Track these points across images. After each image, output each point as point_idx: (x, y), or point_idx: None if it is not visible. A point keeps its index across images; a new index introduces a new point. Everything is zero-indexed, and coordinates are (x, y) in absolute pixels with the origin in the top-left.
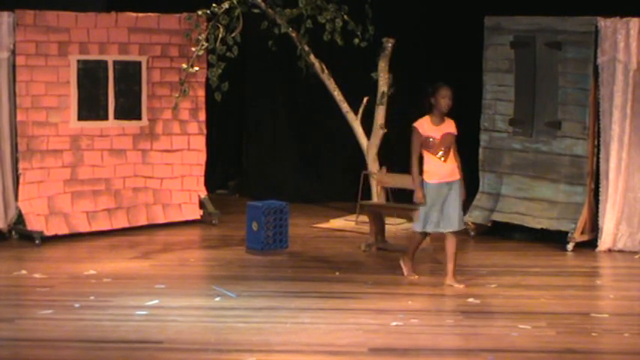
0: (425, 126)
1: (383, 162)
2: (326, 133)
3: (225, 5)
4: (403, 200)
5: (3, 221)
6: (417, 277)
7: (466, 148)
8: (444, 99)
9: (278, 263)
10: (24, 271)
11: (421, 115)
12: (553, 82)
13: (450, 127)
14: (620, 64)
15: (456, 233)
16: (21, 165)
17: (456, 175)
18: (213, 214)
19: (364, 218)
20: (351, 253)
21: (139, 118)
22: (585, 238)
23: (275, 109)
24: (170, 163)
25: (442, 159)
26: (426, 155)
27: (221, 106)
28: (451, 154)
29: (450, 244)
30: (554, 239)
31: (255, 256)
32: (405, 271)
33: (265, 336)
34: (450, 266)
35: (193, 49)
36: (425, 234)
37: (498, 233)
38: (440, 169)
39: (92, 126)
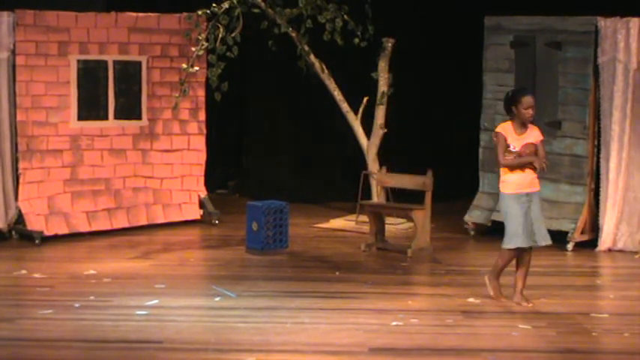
0: (507, 132)
1: (383, 162)
2: (326, 134)
3: (225, 5)
4: (403, 200)
5: (3, 221)
6: (504, 299)
7: (466, 148)
8: (526, 110)
9: (278, 263)
10: (24, 271)
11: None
12: (553, 82)
13: (532, 135)
14: (620, 64)
15: (532, 249)
16: (21, 165)
17: (536, 186)
18: (213, 214)
19: (364, 218)
20: (351, 253)
21: (139, 118)
22: (585, 238)
23: (275, 109)
24: (170, 163)
25: (521, 169)
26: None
27: (221, 106)
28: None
29: (526, 260)
30: (554, 239)
31: (255, 256)
32: (491, 291)
33: (265, 336)
34: (521, 283)
35: (193, 49)
36: (518, 252)
37: (498, 233)
38: (518, 179)
39: (92, 126)
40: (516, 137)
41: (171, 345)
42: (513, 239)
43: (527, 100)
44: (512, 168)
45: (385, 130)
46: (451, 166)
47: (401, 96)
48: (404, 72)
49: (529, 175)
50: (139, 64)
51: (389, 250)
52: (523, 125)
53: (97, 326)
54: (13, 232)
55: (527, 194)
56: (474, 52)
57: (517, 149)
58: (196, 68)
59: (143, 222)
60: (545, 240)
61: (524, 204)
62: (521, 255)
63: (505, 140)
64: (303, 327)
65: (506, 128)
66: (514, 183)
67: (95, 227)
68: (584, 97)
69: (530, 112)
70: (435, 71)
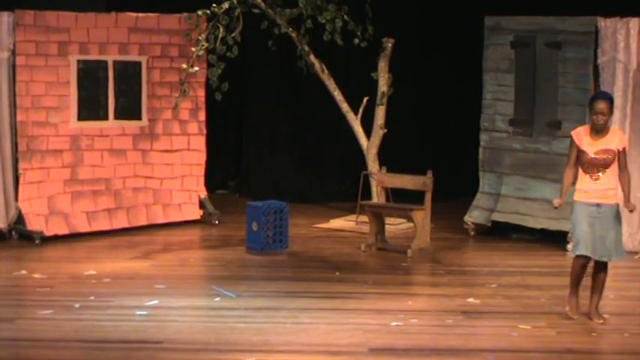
0: (582, 137)
1: (383, 162)
2: (326, 134)
3: (225, 5)
4: (403, 200)
5: (3, 221)
6: (576, 316)
7: (466, 148)
8: (596, 116)
9: (278, 263)
10: (24, 271)
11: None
12: (553, 82)
13: (612, 141)
14: (620, 64)
15: (605, 266)
16: (21, 165)
17: (609, 198)
18: (213, 214)
19: (364, 218)
20: (351, 253)
21: (139, 118)
22: None
23: (275, 109)
24: (170, 163)
25: (593, 177)
26: (579, 171)
27: (221, 106)
28: (607, 173)
29: (596, 277)
30: (554, 239)
31: (255, 256)
32: (567, 308)
33: (265, 336)
34: (594, 299)
35: (193, 49)
36: (584, 260)
37: (498, 233)
38: (589, 188)
39: (92, 126)
40: (590, 142)
41: (171, 345)
42: (578, 246)
43: (597, 106)
44: (584, 170)
45: (385, 130)
46: (451, 166)
47: (401, 96)
48: (404, 72)
49: (601, 186)
50: (139, 64)
51: (389, 250)
52: (600, 130)
53: (97, 326)
54: (13, 232)
55: (599, 205)
56: (473, 52)
57: (591, 156)
58: (196, 68)
59: (143, 222)
60: (604, 255)
61: (593, 214)
62: (594, 270)
63: (576, 145)
64: (303, 327)
65: (579, 132)
66: (582, 191)
67: (95, 227)
68: (584, 97)
69: (599, 118)
70: (434, 71)
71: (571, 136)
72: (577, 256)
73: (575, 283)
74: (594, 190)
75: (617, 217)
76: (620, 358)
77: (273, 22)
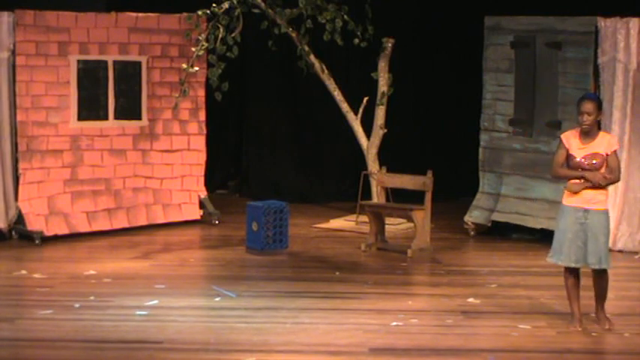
0: (571, 140)
1: (383, 162)
2: (326, 134)
3: (225, 5)
4: (403, 200)
5: (3, 221)
6: (580, 329)
7: (466, 148)
8: (581, 115)
9: (278, 263)
10: (24, 271)
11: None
12: (553, 82)
13: (601, 145)
14: (620, 64)
15: (604, 272)
16: (21, 165)
17: (598, 204)
18: (213, 214)
19: (364, 218)
20: (351, 253)
21: (139, 118)
22: None
23: (275, 109)
24: (170, 163)
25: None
26: None
27: (221, 106)
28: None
29: (596, 282)
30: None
31: (255, 256)
32: (570, 322)
33: (265, 336)
34: (598, 304)
35: (193, 49)
36: (572, 271)
37: (498, 233)
38: (578, 193)
39: (92, 126)
40: (580, 145)
41: (171, 345)
42: (554, 255)
43: (582, 105)
44: (568, 179)
45: (385, 130)
46: (451, 166)
47: (401, 96)
48: (404, 72)
49: (591, 191)
50: (139, 64)
51: (389, 250)
52: (588, 133)
53: (97, 326)
54: (13, 232)
55: (586, 210)
56: (473, 52)
57: (578, 159)
58: (196, 68)
59: (143, 222)
60: (593, 263)
61: (580, 220)
62: (594, 274)
63: (565, 148)
64: (303, 327)
65: (569, 136)
66: (570, 195)
67: (95, 227)
68: None
69: (585, 118)
70: (434, 71)
71: (560, 139)
72: (565, 269)
73: (574, 296)
74: (583, 195)
75: (606, 224)
76: (620, 358)
77: (273, 22)
